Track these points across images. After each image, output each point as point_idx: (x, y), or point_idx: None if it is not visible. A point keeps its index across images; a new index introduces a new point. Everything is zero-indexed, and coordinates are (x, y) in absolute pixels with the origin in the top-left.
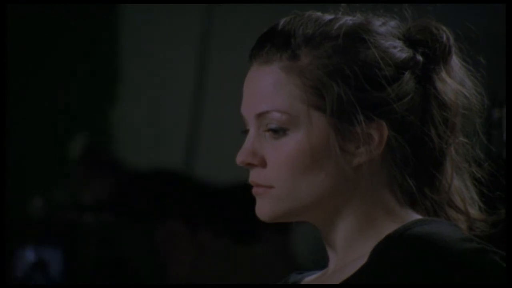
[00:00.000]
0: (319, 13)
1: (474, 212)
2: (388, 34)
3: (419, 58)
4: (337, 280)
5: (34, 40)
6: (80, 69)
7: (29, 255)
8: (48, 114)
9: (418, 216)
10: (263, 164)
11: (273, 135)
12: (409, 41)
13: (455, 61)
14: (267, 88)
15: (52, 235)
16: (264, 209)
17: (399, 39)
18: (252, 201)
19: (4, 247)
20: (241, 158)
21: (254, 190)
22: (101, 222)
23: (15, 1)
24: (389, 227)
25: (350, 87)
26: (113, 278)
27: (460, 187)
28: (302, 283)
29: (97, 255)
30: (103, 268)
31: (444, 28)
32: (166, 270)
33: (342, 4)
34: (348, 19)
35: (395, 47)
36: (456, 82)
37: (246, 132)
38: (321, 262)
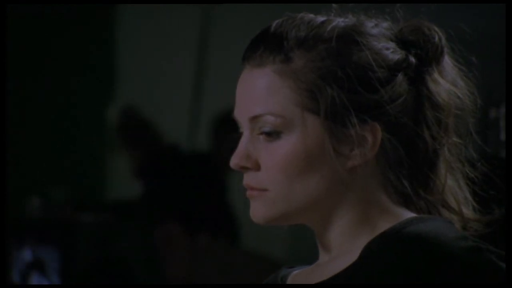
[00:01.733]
0: (311, 15)
1: (468, 212)
2: (380, 36)
3: (412, 59)
4: (327, 274)
5: (34, 40)
6: (79, 69)
7: (27, 255)
8: (47, 113)
9: (413, 215)
10: (257, 167)
11: (267, 138)
12: (402, 42)
13: (447, 61)
14: (261, 91)
15: (49, 234)
16: (259, 212)
17: (391, 40)
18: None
19: (2, 246)
20: (235, 161)
21: (248, 193)
22: (99, 222)
23: (15, 1)
24: (383, 226)
25: (343, 90)
26: (111, 278)
27: (454, 187)
28: (291, 276)
29: (95, 255)
30: (101, 268)
31: (436, 28)
32: (164, 270)
33: (334, 5)
34: (340, 21)
35: (387, 49)
36: (448, 82)
37: (240, 135)
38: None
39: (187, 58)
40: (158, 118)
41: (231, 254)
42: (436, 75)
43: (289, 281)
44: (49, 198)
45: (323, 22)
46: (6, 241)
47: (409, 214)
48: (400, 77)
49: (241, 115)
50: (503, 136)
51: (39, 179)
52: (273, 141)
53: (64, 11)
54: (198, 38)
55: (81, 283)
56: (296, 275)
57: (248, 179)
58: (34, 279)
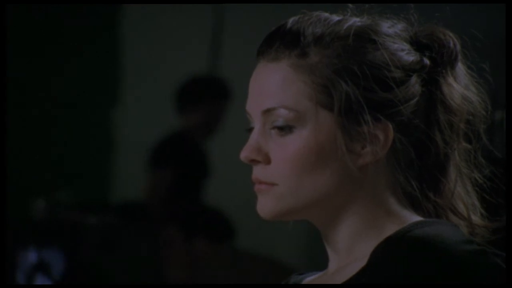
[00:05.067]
0: (327, 14)
1: (475, 218)
2: (396, 37)
3: (426, 61)
4: (337, 281)
5: (35, 41)
6: (81, 69)
7: (32, 256)
8: (52, 116)
9: (419, 218)
10: (267, 160)
11: (279, 132)
12: (416, 44)
13: (460, 67)
14: (275, 85)
15: (54, 236)
16: (266, 207)
17: (406, 42)
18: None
19: (7, 248)
20: (245, 153)
21: (257, 187)
22: (104, 223)
23: (15, 1)
24: (390, 229)
25: (358, 87)
26: (113, 279)
27: (462, 193)
28: (303, 283)
29: (99, 257)
30: (104, 269)
31: (451, 34)
32: (164, 272)
33: (350, 6)
34: (356, 20)
35: (403, 50)
36: (462, 87)
37: (250, 130)
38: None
39: (197, 58)
40: (166, 120)
41: (232, 257)
42: (450, 79)
43: None
44: (54, 200)
45: (339, 21)
46: (11, 243)
47: (415, 217)
48: (414, 78)
49: (253, 108)
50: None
51: (44, 182)
52: (285, 136)
53: (65, 11)
54: (209, 39)
55: (84, 283)
56: (308, 282)
57: (257, 172)
58: (39, 281)
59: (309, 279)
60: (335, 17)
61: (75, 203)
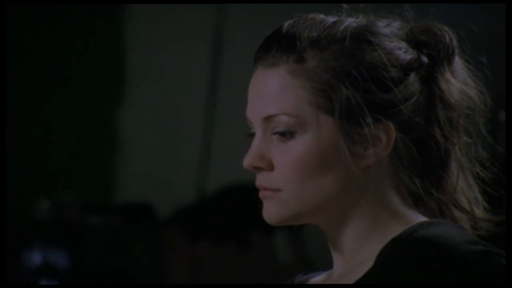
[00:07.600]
0: (322, 15)
1: (478, 211)
2: (392, 36)
3: (424, 59)
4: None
5: (35, 41)
6: (84, 70)
7: (36, 258)
8: (56, 116)
9: (423, 218)
10: (271, 167)
11: (281, 138)
12: (413, 42)
13: (458, 61)
14: (274, 91)
15: (59, 237)
16: (272, 213)
17: (403, 40)
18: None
19: (11, 249)
20: (248, 161)
21: (261, 194)
22: (108, 224)
23: (15, 1)
24: (395, 229)
25: (357, 89)
26: (117, 280)
27: (464, 187)
28: (308, 283)
29: (103, 258)
30: (108, 270)
31: (447, 29)
32: (165, 275)
33: (345, 5)
34: (352, 21)
35: (400, 49)
36: (460, 82)
37: (251, 135)
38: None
39: (200, 59)
40: (170, 121)
41: (234, 260)
42: (448, 75)
43: None
44: (58, 201)
45: (335, 22)
46: (15, 244)
47: (419, 217)
48: (412, 76)
49: (254, 115)
50: None
51: (48, 182)
52: (286, 141)
53: (67, 11)
54: (212, 39)
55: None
56: (314, 283)
57: (261, 179)
58: (43, 282)
59: (314, 279)
60: (331, 19)
61: (79, 203)
